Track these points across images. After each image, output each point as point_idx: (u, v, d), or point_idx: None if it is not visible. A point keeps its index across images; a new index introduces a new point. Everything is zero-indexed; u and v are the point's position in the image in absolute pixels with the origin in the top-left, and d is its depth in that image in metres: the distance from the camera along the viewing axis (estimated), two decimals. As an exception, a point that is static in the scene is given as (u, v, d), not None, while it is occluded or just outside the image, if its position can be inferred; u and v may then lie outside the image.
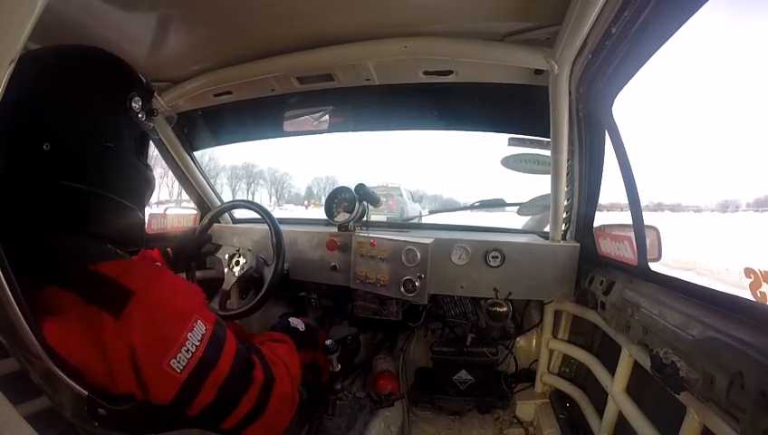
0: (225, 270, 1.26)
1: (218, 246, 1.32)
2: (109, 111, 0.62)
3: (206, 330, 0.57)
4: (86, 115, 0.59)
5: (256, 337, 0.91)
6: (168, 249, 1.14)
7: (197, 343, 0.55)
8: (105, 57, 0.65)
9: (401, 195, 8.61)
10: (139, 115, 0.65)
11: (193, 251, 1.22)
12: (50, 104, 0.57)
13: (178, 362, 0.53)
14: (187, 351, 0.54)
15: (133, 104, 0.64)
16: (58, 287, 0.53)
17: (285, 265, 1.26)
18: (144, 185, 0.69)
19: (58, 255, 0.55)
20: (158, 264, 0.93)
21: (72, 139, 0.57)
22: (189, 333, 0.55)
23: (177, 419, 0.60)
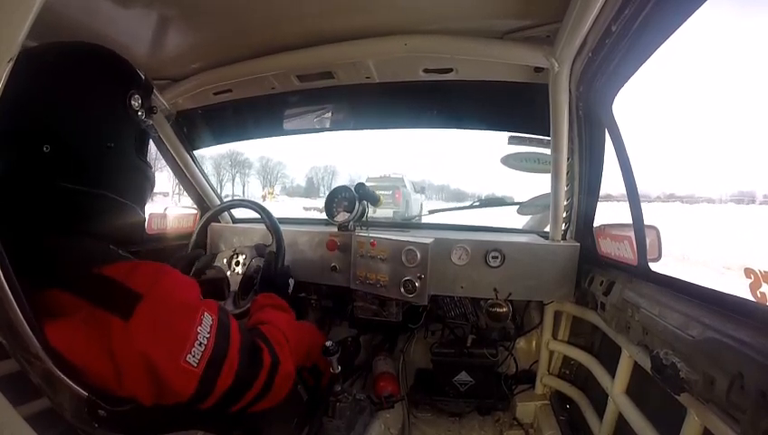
0: (228, 273, 1.26)
1: (214, 256, 1.30)
2: (109, 109, 0.62)
3: (212, 320, 0.59)
4: (86, 115, 0.59)
5: (258, 299, 0.94)
6: None
7: (208, 335, 0.57)
8: (104, 54, 0.64)
9: (405, 186, 8.57)
10: (139, 113, 0.65)
11: (186, 270, 1.19)
12: (50, 104, 0.56)
13: (193, 356, 0.55)
14: (199, 344, 0.56)
15: (133, 102, 0.64)
16: (60, 290, 0.52)
17: (286, 263, 1.26)
18: (145, 183, 0.69)
19: (60, 257, 0.55)
20: None
21: (72, 139, 0.57)
22: (199, 327, 0.56)
23: (181, 418, 0.61)
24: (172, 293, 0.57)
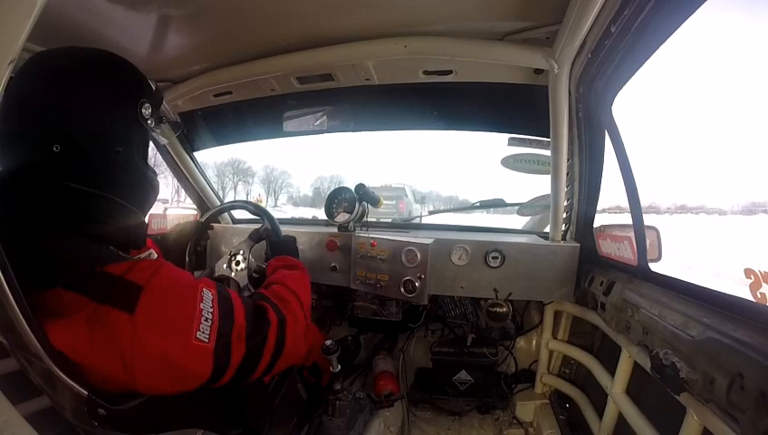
0: (232, 274, 1.26)
1: (212, 269, 1.27)
2: (121, 116, 0.63)
3: (212, 295, 0.61)
4: (99, 119, 0.60)
5: (272, 262, 0.97)
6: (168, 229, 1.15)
7: (211, 309, 0.59)
8: (119, 62, 0.66)
9: (406, 195, 8.60)
10: (149, 121, 0.66)
11: (193, 230, 1.21)
12: (63, 107, 0.57)
13: (203, 332, 0.56)
14: (206, 320, 0.57)
15: (143, 111, 0.65)
16: (62, 289, 0.53)
17: None
18: (149, 189, 0.70)
19: (63, 257, 0.55)
20: (154, 253, 0.93)
21: (83, 142, 0.58)
22: (202, 304, 0.58)
23: (181, 417, 0.61)
24: (171, 279, 0.58)
